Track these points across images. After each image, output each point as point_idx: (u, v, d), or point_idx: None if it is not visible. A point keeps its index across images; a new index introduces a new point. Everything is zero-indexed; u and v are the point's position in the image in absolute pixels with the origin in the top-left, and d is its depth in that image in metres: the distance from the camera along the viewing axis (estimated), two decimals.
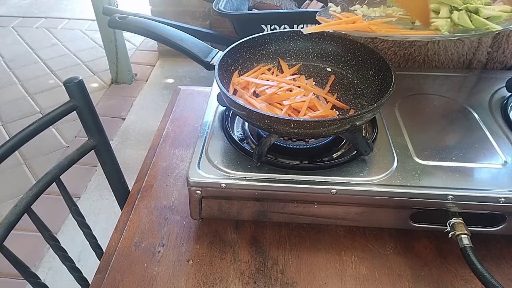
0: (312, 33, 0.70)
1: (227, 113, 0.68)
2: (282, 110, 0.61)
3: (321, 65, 0.72)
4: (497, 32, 0.56)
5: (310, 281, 0.56)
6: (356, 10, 0.68)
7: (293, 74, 0.70)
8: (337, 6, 0.69)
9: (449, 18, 0.59)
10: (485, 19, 0.57)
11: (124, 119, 2.17)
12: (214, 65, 0.63)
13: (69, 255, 0.70)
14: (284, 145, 0.62)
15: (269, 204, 0.58)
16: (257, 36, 0.70)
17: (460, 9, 0.58)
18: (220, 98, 0.69)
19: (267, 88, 0.65)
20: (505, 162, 0.58)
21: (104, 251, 0.61)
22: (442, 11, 0.59)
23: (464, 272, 0.56)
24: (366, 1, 0.71)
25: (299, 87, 0.66)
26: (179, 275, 0.57)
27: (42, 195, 0.64)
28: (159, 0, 2.42)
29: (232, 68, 0.68)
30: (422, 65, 0.83)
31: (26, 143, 0.62)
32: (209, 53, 0.68)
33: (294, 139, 0.63)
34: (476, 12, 0.57)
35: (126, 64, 2.40)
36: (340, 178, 0.56)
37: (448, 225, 0.53)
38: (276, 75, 0.69)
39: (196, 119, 0.85)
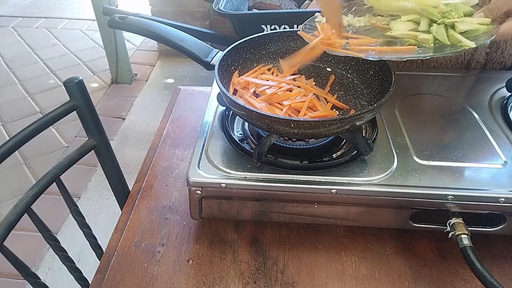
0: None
1: (227, 113, 0.68)
2: (282, 110, 0.61)
3: (321, 65, 0.72)
4: (470, 49, 0.55)
5: (310, 281, 0.56)
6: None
7: (293, 74, 0.70)
8: (323, 16, 0.68)
9: (429, 32, 0.58)
10: (462, 33, 0.56)
11: (124, 119, 2.17)
12: (214, 65, 0.63)
13: (69, 255, 0.69)
14: (284, 145, 0.62)
15: (269, 204, 0.58)
16: (257, 36, 0.70)
17: (439, 23, 0.57)
18: (220, 98, 0.69)
19: (267, 88, 0.65)
20: (505, 162, 0.58)
21: (104, 251, 0.61)
22: (422, 24, 0.59)
23: (464, 272, 0.56)
24: (354, 9, 0.70)
25: (299, 87, 0.66)
26: (179, 275, 0.57)
27: (42, 195, 0.64)
28: (159, 0, 2.42)
29: (232, 68, 0.68)
30: (420, 66, 0.83)
31: (26, 143, 0.62)
32: (209, 53, 0.69)
33: (294, 139, 0.63)
34: (453, 27, 0.56)
35: (126, 64, 2.40)
36: (340, 178, 0.56)
37: (448, 225, 0.53)
38: (276, 75, 0.69)
39: (196, 119, 0.85)
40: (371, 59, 0.58)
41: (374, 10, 0.67)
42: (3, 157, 0.58)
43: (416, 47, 0.57)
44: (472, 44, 0.53)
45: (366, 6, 0.68)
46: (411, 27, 0.60)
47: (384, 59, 0.57)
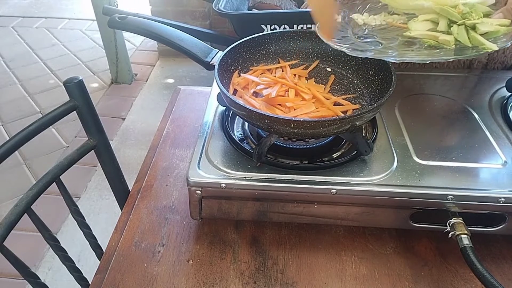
0: (311, 33, 0.70)
1: (227, 113, 0.68)
2: (281, 110, 0.61)
3: (321, 65, 0.72)
4: (492, 51, 0.54)
5: (310, 281, 0.56)
6: (357, 19, 0.67)
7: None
8: (338, 15, 0.68)
9: (448, 32, 0.57)
10: (482, 34, 0.55)
11: (124, 119, 2.17)
12: (214, 65, 0.63)
13: (69, 255, 0.69)
14: (284, 145, 0.62)
15: (269, 204, 0.58)
16: (257, 36, 0.70)
17: (459, 24, 0.56)
18: (220, 98, 0.69)
19: (265, 88, 0.65)
20: (505, 162, 0.58)
21: (104, 251, 0.61)
22: (441, 24, 0.58)
23: (464, 272, 0.56)
24: (368, 6, 0.70)
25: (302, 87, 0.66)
26: (179, 275, 0.57)
27: (42, 195, 0.63)
28: (159, 0, 2.42)
29: (232, 68, 0.68)
30: (423, 66, 0.83)
31: (26, 143, 0.62)
32: (209, 53, 0.69)
33: (294, 139, 0.63)
34: (473, 28, 0.55)
35: (126, 64, 2.40)
36: (340, 178, 0.56)
37: (448, 225, 0.53)
38: (282, 71, 0.69)
39: (196, 119, 0.85)
40: (392, 60, 0.57)
41: (389, 8, 0.66)
42: (3, 157, 0.58)
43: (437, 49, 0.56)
44: (494, 47, 0.53)
45: (380, 4, 0.68)
46: (429, 27, 0.59)
47: (406, 61, 0.56)
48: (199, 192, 0.56)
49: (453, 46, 0.56)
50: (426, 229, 0.59)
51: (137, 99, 2.33)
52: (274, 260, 0.58)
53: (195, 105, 0.90)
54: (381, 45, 0.60)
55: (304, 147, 0.62)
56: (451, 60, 0.53)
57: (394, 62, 0.58)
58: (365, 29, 0.65)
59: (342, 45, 0.60)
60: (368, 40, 0.62)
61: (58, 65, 2.63)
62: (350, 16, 0.68)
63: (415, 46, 0.58)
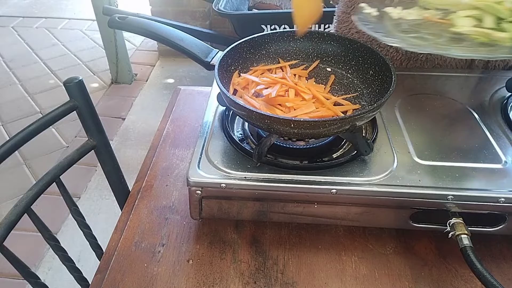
0: (312, 33, 0.70)
1: (227, 113, 0.68)
2: (281, 110, 0.61)
3: (321, 65, 0.72)
4: None
5: (310, 281, 0.56)
6: (391, 13, 0.63)
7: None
8: (370, 7, 0.65)
9: (499, 29, 0.54)
10: None
11: (124, 119, 2.17)
12: (214, 65, 0.63)
13: (69, 255, 0.69)
14: (284, 145, 0.62)
15: (269, 204, 0.58)
16: (257, 36, 0.70)
17: (510, 21, 0.54)
18: (220, 98, 0.69)
19: (265, 88, 0.65)
20: (505, 162, 0.58)
21: (104, 251, 0.61)
22: (488, 21, 0.56)
23: (464, 272, 0.56)
24: (397, 0, 0.66)
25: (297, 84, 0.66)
26: (179, 275, 0.57)
27: (42, 195, 0.64)
28: (159, 0, 2.42)
29: (232, 68, 0.68)
30: (424, 63, 0.82)
31: (26, 143, 0.62)
32: (209, 53, 0.69)
33: (294, 139, 0.63)
34: None
35: (126, 64, 2.40)
36: (340, 178, 0.56)
37: (448, 225, 0.53)
38: (282, 71, 0.69)
39: (196, 119, 0.85)
40: (456, 57, 0.55)
41: (419, 2, 0.63)
42: (3, 157, 0.58)
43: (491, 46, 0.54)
44: None
45: None
46: (473, 23, 0.57)
47: (474, 57, 0.54)
48: (199, 192, 0.56)
49: (510, 44, 0.54)
50: (426, 229, 0.59)
51: (137, 99, 2.33)
52: (274, 260, 0.58)
53: (195, 105, 0.90)
54: (429, 41, 0.57)
55: (304, 147, 0.62)
56: (501, 58, 0.51)
57: (398, 55, 0.54)
58: (401, 23, 0.62)
59: (393, 39, 0.58)
60: (412, 35, 0.59)
61: (58, 65, 2.63)
62: (382, 10, 0.65)
63: (465, 43, 0.56)
